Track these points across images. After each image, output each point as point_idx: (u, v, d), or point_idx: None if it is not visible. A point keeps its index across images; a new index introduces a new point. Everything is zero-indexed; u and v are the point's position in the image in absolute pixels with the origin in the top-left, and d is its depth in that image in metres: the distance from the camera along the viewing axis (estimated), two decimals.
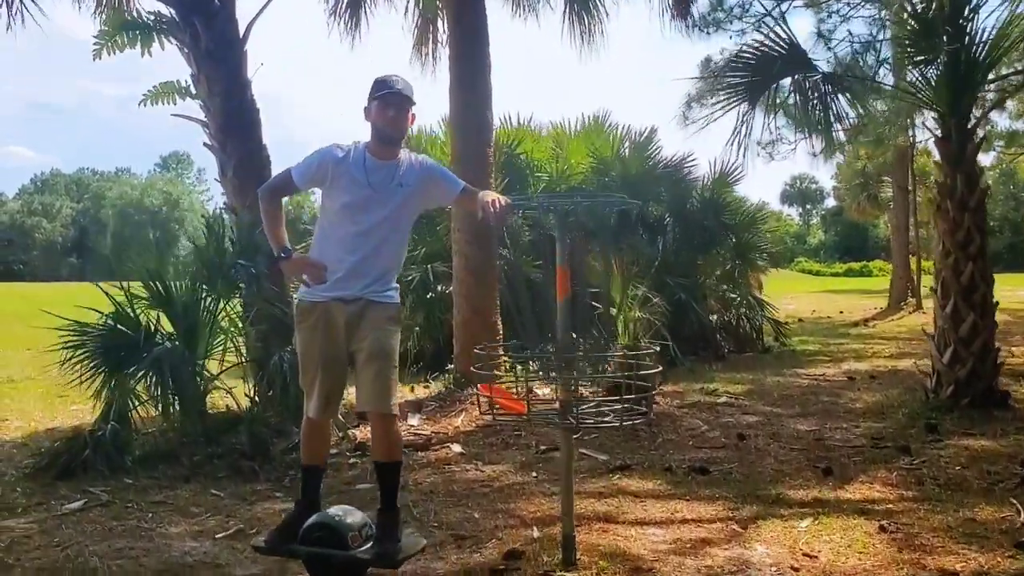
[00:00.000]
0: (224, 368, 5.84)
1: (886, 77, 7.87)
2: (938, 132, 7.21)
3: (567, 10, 8.44)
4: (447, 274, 9.74)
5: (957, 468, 5.05)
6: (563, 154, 10.99)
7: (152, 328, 5.43)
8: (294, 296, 6.07)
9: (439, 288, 9.81)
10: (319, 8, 8.46)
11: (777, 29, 7.22)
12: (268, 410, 5.75)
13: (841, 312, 20.06)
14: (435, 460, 5.45)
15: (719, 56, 22.23)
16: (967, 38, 6.93)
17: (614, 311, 7.15)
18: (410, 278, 9.79)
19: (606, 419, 3.42)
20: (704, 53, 21.95)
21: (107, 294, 5.36)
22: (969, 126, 7.08)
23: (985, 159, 23.78)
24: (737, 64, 7.66)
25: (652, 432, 6.11)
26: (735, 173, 12.00)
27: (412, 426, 6.33)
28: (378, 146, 3.53)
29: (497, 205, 3.33)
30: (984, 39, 6.94)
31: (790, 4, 21.79)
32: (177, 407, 5.29)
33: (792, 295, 25.66)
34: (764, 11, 9.69)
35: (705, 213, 11.75)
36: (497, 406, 3.49)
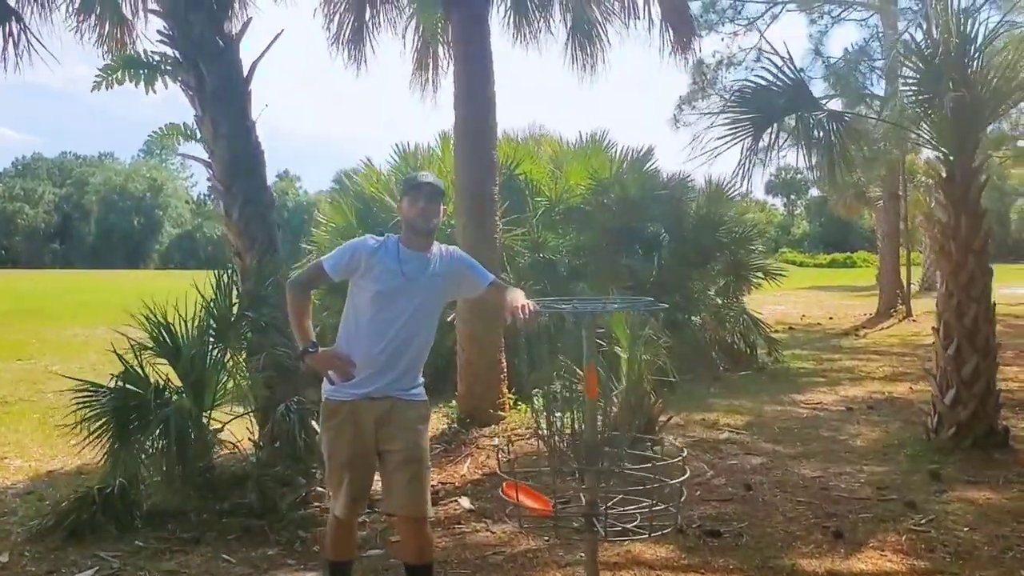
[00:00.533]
0: (231, 419, 5.80)
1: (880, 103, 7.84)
2: (942, 172, 7.23)
3: (569, 40, 8.39)
4: None
5: (965, 530, 5.07)
6: (561, 175, 10.95)
7: (161, 385, 5.37)
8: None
9: None
10: (322, 36, 8.34)
11: (785, 69, 7.18)
12: (275, 461, 5.72)
13: (830, 318, 20.15)
14: (444, 518, 5.44)
15: (711, 58, 22.50)
16: (973, 78, 6.94)
17: (619, 351, 7.12)
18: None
19: (633, 524, 3.39)
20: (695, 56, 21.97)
21: (119, 355, 5.30)
22: (974, 166, 7.10)
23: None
24: (742, 98, 7.62)
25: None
26: (730, 190, 12.03)
27: None
28: (411, 237, 3.59)
29: (527, 311, 3.30)
30: (989, 79, 6.96)
31: (783, 7, 21.78)
32: (182, 466, 5.23)
33: (779, 293, 25.73)
34: (762, 9, 9.80)
35: (700, 230, 11.75)
36: (523, 508, 3.46)
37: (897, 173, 18.68)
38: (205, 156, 6.43)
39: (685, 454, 3.33)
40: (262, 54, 6.50)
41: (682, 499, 3.27)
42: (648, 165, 11.39)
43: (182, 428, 5.18)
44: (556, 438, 3.51)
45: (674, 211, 11.58)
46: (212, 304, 5.73)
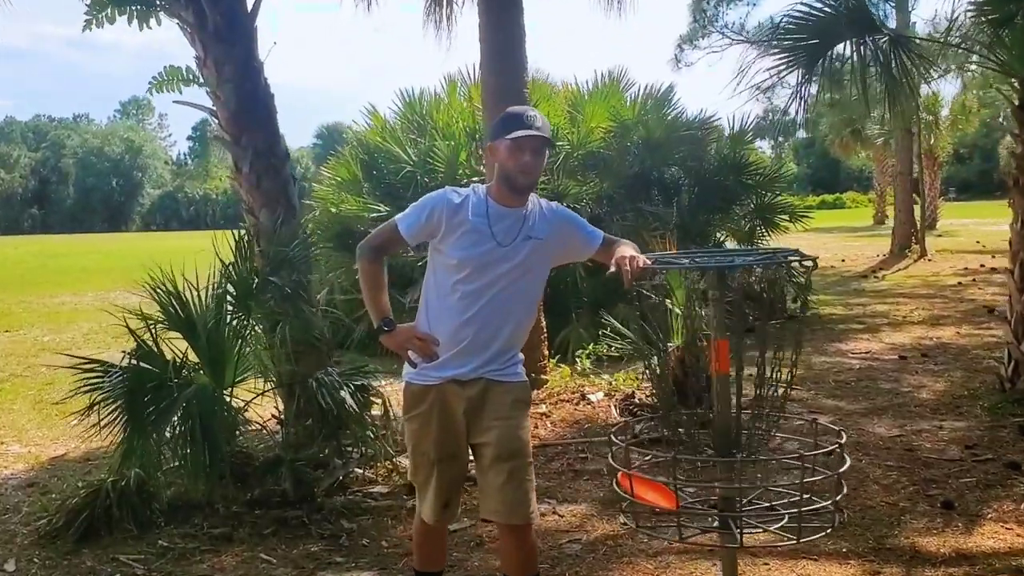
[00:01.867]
0: (253, 396, 5.19)
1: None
2: (1015, 100, 6.62)
3: None
4: None
5: None
6: (580, 117, 10.25)
7: (178, 361, 4.74)
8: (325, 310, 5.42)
9: None
10: None
11: None
12: (306, 442, 5.14)
13: (843, 260, 19.62)
14: None
15: None
16: None
17: (672, 304, 6.53)
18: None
19: (779, 526, 2.81)
20: None
21: (130, 330, 4.65)
22: None
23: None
24: (792, 25, 6.94)
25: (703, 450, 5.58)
26: (751, 129, 11.41)
27: None
28: (505, 192, 2.91)
29: (635, 264, 2.70)
30: None
31: None
32: (207, 452, 4.62)
33: (780, 237, 25.21)
34: None
35: (723, 173, 11.12)
36: (638, 500, 2.86)
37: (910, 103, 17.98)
38: (208, 103, 5.73)
39: (844, 439, 2.73)
40: None
41: (841, 494, 2.68)
42: (669, 105, 10.70)
43: (206, 409, 4.56)
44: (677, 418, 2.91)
45: (696, 154, 10.91)
46: (232, 268, 5.08)
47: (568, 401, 6.44)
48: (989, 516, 4.34)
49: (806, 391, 7.17)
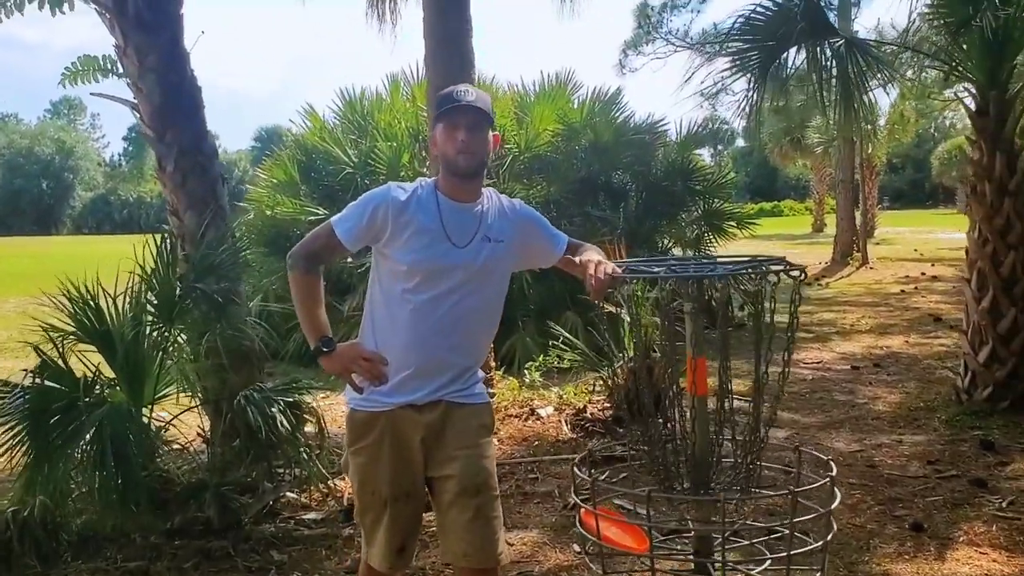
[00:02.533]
0: (177, 413, 4.77)
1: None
2: (972, 106, 6.48)
3: None
4: None
5: None
6: (527, 119, 9.95)
7: (90, 378, 4.30)
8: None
9: None
10: None
11: None
12: (233, 464, 4.74)
13: None
14: None
15: (655, 0, 21.64)
16: None
17: (622, 313, 6.25)
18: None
19: (760, 570, 2.52)
20: None
21: (35, 347, 4.21)
22: (1007, 97, 6.36)
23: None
24: (744, 27, 6.73)
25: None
26: (699, 135, 11.25)
27: None
28: (452, 183, 2.54)
29: (603, 273, 2.40)
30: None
31: None
32: (121, 478, 4.18)
33: (723, 245, 25.25)
34: None
35: (671, 178, 10.92)
36: (604, 543, 2.55)
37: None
38: (129, 96, 5.29)
39: (835, 472, 2.45)
40: None
41: (831, 535, 2.40)
42: (617, 108, 10.46)
43: (120, 430, 4.13)
44: (649, 447, 2.61)
45: (644, 158, 10.69)
46: (152, 275, 4.66)
47: (516, 416, 6.12)
48: (961, 539, 4.12)
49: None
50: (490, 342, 2.73)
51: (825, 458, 2.63)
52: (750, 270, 2.45)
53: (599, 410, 6.07)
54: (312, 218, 9.24)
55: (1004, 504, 4.54)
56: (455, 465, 2.51)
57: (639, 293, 5.51)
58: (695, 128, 11.03)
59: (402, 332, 2.49)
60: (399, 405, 2.51)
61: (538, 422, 6.06)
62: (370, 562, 2.60)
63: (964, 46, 6.42)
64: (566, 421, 5.96)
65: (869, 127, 23.19)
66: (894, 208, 60.05)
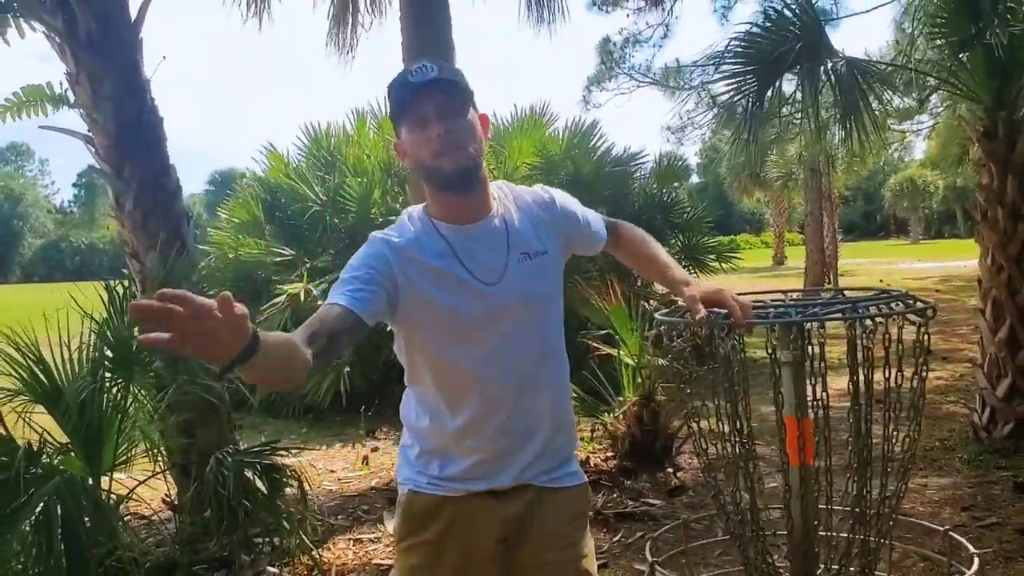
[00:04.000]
0: (139, 482, 4.22)
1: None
2: (979, 128, 6.19)
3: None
4: None
5: None
6: (505, 152, 9.56)
7: (36, 446, 3.74)
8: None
9: None
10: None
11: (798, 8, 6.00)
12: (204, 536, 4.20)
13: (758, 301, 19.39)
14: None
15: (618, 35, 21.50)
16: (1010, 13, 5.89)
17: (622, 354, 5.82)
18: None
19: None
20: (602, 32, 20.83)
21: None
22: (1016, 118, 6.08)
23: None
24: (746, 46, 6.39)
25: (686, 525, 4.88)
26: (680, 165, 10.94)
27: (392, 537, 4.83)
28: (445, 201, 1.89)
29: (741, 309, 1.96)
30: None
31: None
32: (75, 559, 3.61)
33: (707, 278, 24.97)
34: None
35: (650, 211, 10.57)
36: None
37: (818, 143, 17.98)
38: (83, 128, 4.79)
39: (977, 564, 2.01)
40: None
41: None
42: (595, 140, 10.11)
43: (72, 507, 3.57)
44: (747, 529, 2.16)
45: (624, 191, 10.34)
46: (106, 326, 4.13)
47: None
48: None
49: (765, 445, 6.52)
50: (569, 388, 2.08)
51: (972, 550, 2.17)
52: (883, 308, 1.99)
53: (602, 460, 5.60)
54: (279, 259, 8.74)
55: None
56: (547, 572, 1.96)
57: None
58: (674, 162, 10.72)
59: (455, 406, 1.90)
60: (474, 492, 1.92)
61: None
62: None
63: (968, 65, 6.14)
64: None
65: (824, 159, 23.29)
66: (848, 240, 60.84)
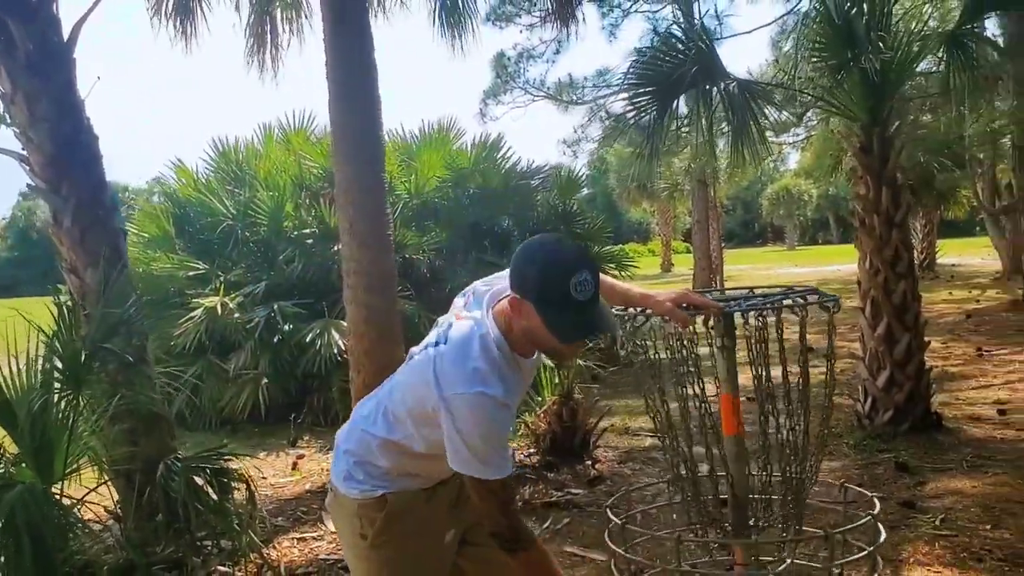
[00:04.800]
0: (88, 490, 4.35)
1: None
2: (856, 143, 6.83)
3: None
4: (295, 313, 8.44)
5: (988, 528, 4.56)
6: (415, 165, 9.83)
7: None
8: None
9: (287, 328, 8.41)
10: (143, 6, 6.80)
11: (694, 35, 6.51)
12: (153, 540, 4.35)
13: None
14: None
15: (512, 50, 22.00)
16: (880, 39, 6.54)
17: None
18: (253, 322, 8.33)
19: None
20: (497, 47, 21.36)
21: None
22: (888, 135, 6.73)
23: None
24: (640, 70, 6.88)
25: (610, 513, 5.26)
26: (581, 179, 11.42)
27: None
28: (525, 349, 2.14)
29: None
30: (900, 43, 6.61)
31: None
32: (39, 567, 3.73)
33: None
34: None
35: (553, 222, 11.01)
36: None
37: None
38: (17, 147, 4.87)
39: (877, 509, 2.42)
40: (88, 12, 5.03)
41: (877, 571, 2.37)
42: (501, 152, 10.49)
43: (34, 515, 3.70)
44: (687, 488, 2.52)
45: (528, 203, 10.75)
46: (55, 339, 4.25)
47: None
48: (911, 560, 4.23)
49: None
50: None
51: (869, 495, 2.59)
52: (797, 300, 2.39)
53: (526, 456, 5.95)
54: (192, 273, 8.80)
55: (938, 522, 4.69)
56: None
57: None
58: (573, 174, 11.19)
59: (420, 467, 2.22)
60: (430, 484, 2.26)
61: None
62: None
63: (845, 86, 6.76)
64: None
65: (709, 170, 24.35)
66: (729, 247, 63.01)
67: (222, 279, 8.69)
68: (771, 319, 2.46)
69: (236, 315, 8.25)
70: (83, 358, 4.30)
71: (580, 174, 11.90)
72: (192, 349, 8.22)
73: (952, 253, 32.43)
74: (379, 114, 6.04)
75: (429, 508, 2.23)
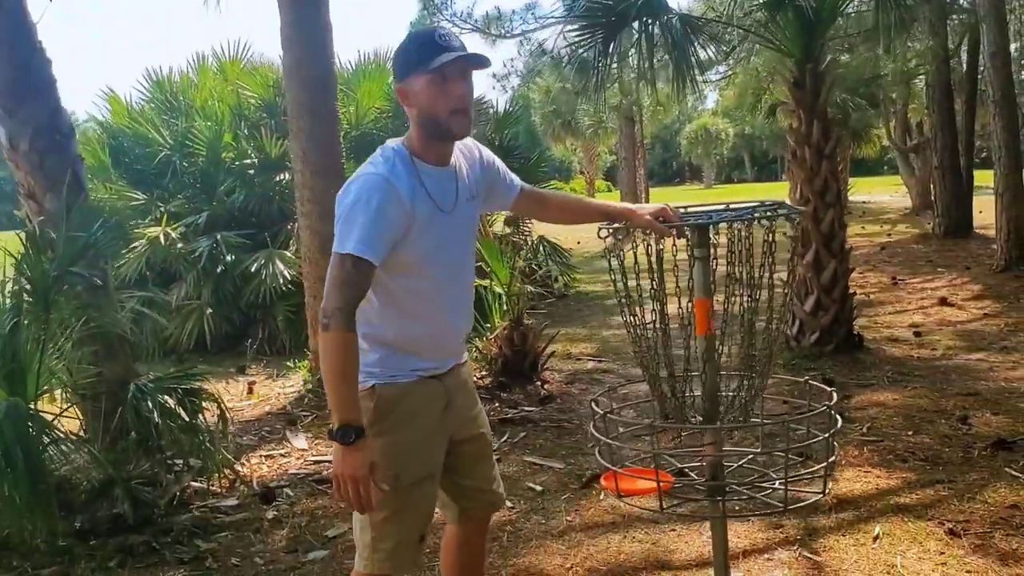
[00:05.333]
0: (61, 411, 4.44)
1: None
2: (790, 78, 7.12)
3: None
4: (239, 245, 8.47)
5: (910, 434, 4.98)
6: (354, 96, 9.80)
7: None
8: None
9: (230, 259, 8.43)
10: None
11: None
12: (122, 459, 4.46)
13: (579, 243, 20.44)
14: None
15: None
16: None
17: (493, 284, 6.40)
18: (196, 252, 8.34)
19: (764, 495, 2.74)
20: None
21: None
22: (820, 70, 7.04)
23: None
24: (590, 6, 7.01)
25: (560, 425, 5.57)
26: (518, 113, 11.54)
27: (302, 450, 5.24)
28: (434, 147, 2.23)
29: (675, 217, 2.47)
30: None
31: None
32: (28, 482, 3.84)
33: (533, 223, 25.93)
34: None
35: (496, 156, 11.14)
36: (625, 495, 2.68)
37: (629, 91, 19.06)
38: None
39: (835, 398, 2.70)
40: None
41: (833, 458, 2.65)
42: None
43: (22, 430, 3.80)
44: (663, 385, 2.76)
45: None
46: (24, 263, 4.30)
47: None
48: (843, 463, 4.59)
49: (613, 363, 7.33)
50: None
51: (828, 389, 2.87)
52: (768, 212, 2.62)
53: (479, 378, 6.19)
54: (133, 203, 8.72)
55: (864, 430, 5.10)
56: (476, 422, 2.53)
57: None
58: (512, 108, 11.30)
59: (415, 317, 2.29)
60: (424, 375, 2.33)
61: None
62: (377, 571, 2.32)
63: (782, 24, 7.02)
64: None
65: (637, 108, 24.58)
66: (649, 186, 63.84)
67: (162, 209, 8.62)
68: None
69: (179, 245, 8.24)
70: (51, 280, 4.36)
71: (516, 109, 11.91)
72: (132, 280, 8.20)
73: (862, 191, 33.49)
74: (331, 41, 6.09)
75: (420, 401, 2.33)
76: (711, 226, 2.65)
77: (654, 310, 2.75)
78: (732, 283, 2.71)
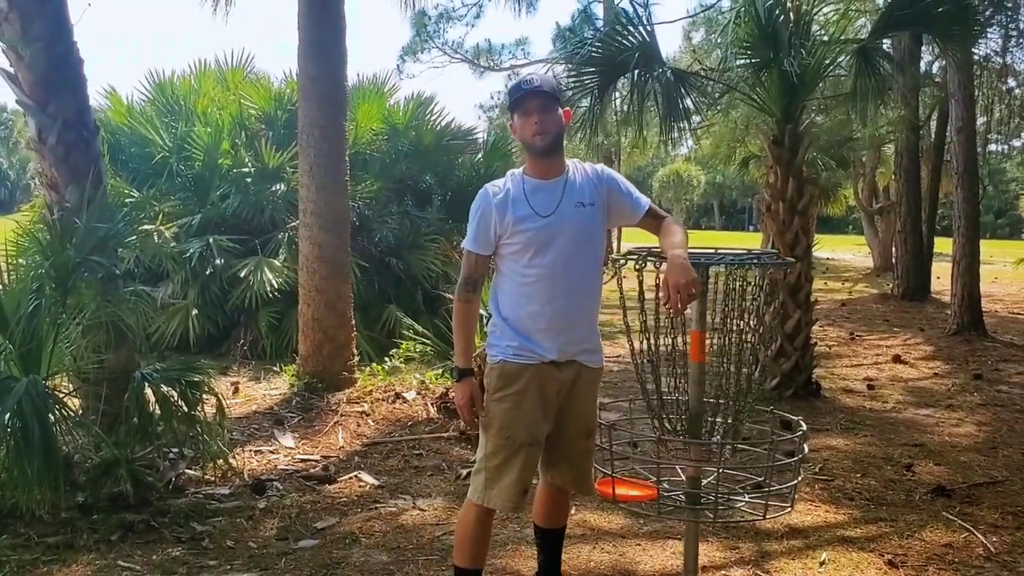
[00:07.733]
0: (69, 392, 4.68)
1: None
2: (771, 135, 7.55)
3: None
4: (230, 249, 8.71)
5: (858, 477, 5.35)
6: (354, 116, 10.11)
7: None
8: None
9: (219, 262, 8.68)
10: None
11: (639, 24, 7.09)
12: (127, 441, 4.71)
13: None
14: (356, 497, 4.77)
15: (433, 9, 22.17)
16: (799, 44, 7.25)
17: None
18: (188, 253, 8.57)
19: (743, 507, 3.09)
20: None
21: None
22: (799, 131, 7.49)
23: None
24: (589, 51, 7.42)
25: None
26: (508, 144, 11.90)
27: (289, 448, 5.50)
28: (535, 163, 2.99)
29: (687, 289, 2.78)
30: (816, 51, 7.34)
31: None
32: (42, 457, 4.07)
33: None
34: None
35: (477, 184, 11.45)
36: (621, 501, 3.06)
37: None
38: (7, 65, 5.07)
39: (804, 429, 3.06)
40: None
41: (799, 479, 3.01)
42: (431, 111, 10.88)
43: (40, 406, 4.05)
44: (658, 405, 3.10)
45: (452, 163, 11.19)
46: (48, 248, 4.56)
47: (384, 400, 6.40)
48: (795, 498, 4.94)
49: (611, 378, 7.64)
50: (598, 305, 3.17)
51: (795, 419, 3.23)
52: (763, 260, 2.98)
53: None
54: (130, 199, 8.93)
55: (817, 470, 5.47)
56: (580, 419, 3.07)
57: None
58: (502, 140, 11.64)
59: (530, 299, 2.93)
60: (544, 361, 2.94)
61: (404, 404, 6.38)
62: (489, 504, 2.98)
63: (766, 84, 7.47)
64: (432, 404, 6.32)
65: (612, 148, 25.05)
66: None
67: (157, 208, 8.85)
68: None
69: (172, 244, 8.47)
70: (72, 268, 4.62)
71: (509, 141, 12.28)
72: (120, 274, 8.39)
73: (827, 247, 34.29)
74: (345, 64, 6.43)
75: (534, 381, 2.93)
76: (706, 267, 3.01)
77: (647, 339, 3.08)
78: (726, 320, 3.05)
